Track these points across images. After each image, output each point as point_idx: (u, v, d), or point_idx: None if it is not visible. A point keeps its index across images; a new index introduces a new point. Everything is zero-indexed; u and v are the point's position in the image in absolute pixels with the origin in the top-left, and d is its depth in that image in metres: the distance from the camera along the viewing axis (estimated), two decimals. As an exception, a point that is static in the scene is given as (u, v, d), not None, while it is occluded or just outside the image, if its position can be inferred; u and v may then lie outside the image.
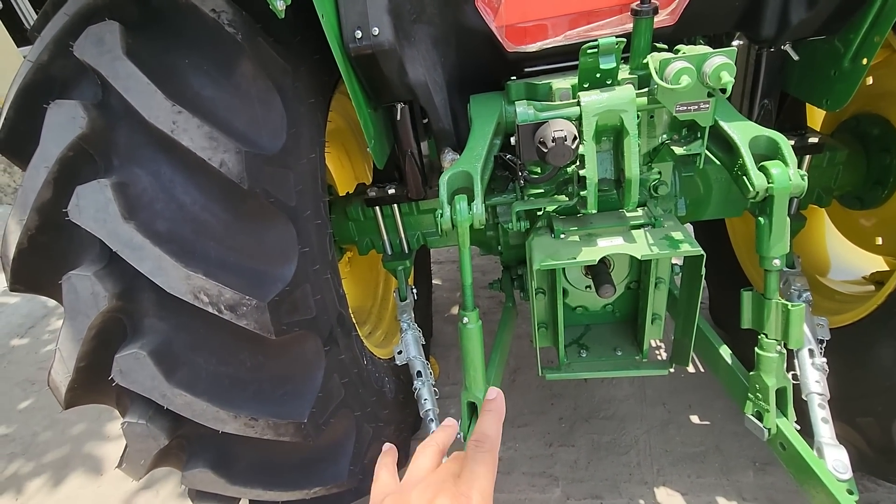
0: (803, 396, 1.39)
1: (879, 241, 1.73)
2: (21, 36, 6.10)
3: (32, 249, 1.00)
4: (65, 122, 0.95)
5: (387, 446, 0.69)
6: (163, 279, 0.93)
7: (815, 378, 1.38)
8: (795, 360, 1.45)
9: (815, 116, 1.90)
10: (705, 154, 1.21)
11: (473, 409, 1.38)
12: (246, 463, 1.18)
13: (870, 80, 1.69)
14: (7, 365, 3.31)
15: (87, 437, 2.63)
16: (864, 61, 1.16)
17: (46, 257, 1.00)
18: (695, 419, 2.17)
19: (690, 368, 2.42)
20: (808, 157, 1.58)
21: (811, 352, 1.43)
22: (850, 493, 1.19)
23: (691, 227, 2.61)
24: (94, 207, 0.92)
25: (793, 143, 1.51)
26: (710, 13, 1.24)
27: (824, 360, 1.40)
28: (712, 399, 2.27)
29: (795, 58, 1.32)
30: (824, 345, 1.47)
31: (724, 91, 0.98)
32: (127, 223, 0.92)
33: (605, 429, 2.20)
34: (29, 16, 6.51)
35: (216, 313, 0.96)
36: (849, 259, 1.97)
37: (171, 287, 0.93)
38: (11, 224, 1.01)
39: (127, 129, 0.96)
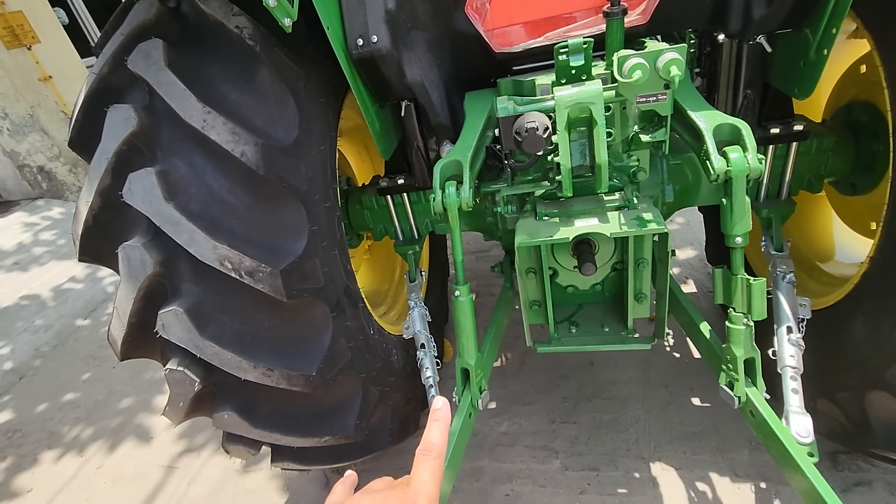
0: (778, 370, 1.47)
1: (873, 226, 1.76)
2: (84, 47, 6.68)
3: (96, 226, 1.23)
4: (120, 122, 1.17)
5: (348, 474, 0.75)
6: (195, 249, 1.13)
7: (790, 353, 1.46)
8: (775, 337, 1.53)
9: (816, 107, 1.94)
10: (686, 142, 1.32)
11: (466, 375, 1.54)
12: (267, 411, 1.38)
13: (863, 69, 1.73)
14: (73, 342, 3.71)
15: (139, 407, 2.95)
16: (825, 52, 1.24)
17: (106, 233, 1.23)
18: (695, 401, 2.24)
19: (696, 353, 2.48)
20: (794, 144, 1.64)
21: (789, 328, 1.51)
22: (811, 455, 1.28)
23: (702, 215, 2.66)
24: (143, 191, 1.14)
25: (778, 130, 1.59)
26: (680, 12, 1.34)
27: (800, 336, 1.47)
28: (714, 383, 2.28)
29: (769, 50, 1.40)
30: (804, 323, 1.54)
31: (669, 85, 1.09)
32: (168, 203, 1.13)
33: (608, 408, 2.30)
34: (91, 29, 7.11)
35: (238, 278, 1.16)
36: (853, 244, 1.99)
37: (202, 256, 1.14)
38: (80, 206, 1.25)
39: (168, 126, 1.18)
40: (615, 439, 2.15)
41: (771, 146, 1.65)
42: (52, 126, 6.05)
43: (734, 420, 2.09)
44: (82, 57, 6.61)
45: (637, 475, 1.99)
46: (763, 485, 1.84)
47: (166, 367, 1.28)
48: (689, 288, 2.94)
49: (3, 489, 2.59)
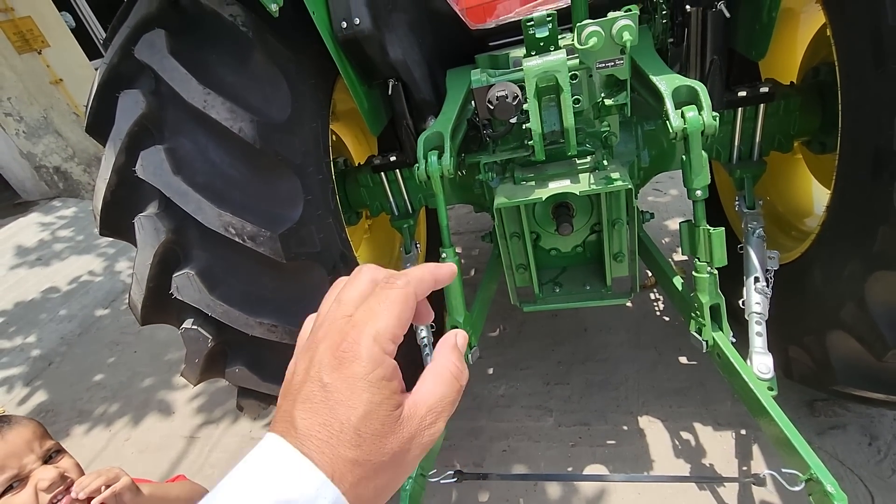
0: (745, 316, 1.57)
1: (838, 179, 1.84)
2: (92, 50, 6.86)
3: (114, 202, 1.37)
4: (131, 106, 1.31)
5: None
6: (202, 217, 1.27)
7: (756, 300, 1.56)
8: (744, 287, 1.63)
9: (791, 71, 2.00)
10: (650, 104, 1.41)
11: (456, 332, 1.66)
12: (274, 365, 1.52)
13: (828, 31, 1.79)
14: (96, 330, 3.92)
15: (160, 385, 3.14)
16: (774, 14, 1.33)
17: (123, 206, 1.37)
18: (683, 360, 2.35)
19: (684, 317, 2.58)
20: (763, 106, 1.72)
21: (756, 279, 1.61)
22: (771, 389, 1.38)
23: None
24: (153, 166, 1.27)
25: (745, 93, 1.67)
26: None
27: (764, 284, 1.57)
28: (702, 342, 2.43)
29: (727, 15, 1.48)
30: (771, 274, 1.64)
31: (624, 50, 1.19)
32: (176, 177, 1.26)
33: (599, 370, 2.42)
34: (97, 31, 7.28)
35: (241, 242, 1.29)
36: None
37: (209, 222, 1.27)
38: (99, 184, 1.39)
39: (173, 108, 1.31)
40: (605, 397, 2.27)
41: (740, 109, 1.74)
42: (65, 128, 6.26)
43: (718, 376, 2.18)
44: (90, 59, 6.80)
45: (625, 428, 2.11)
46: (743, 431, 1.95)
47: (181, 326, 1.42)
48: (680, 256, 3.03)
49: (40, 463, 2.79)
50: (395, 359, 0.44)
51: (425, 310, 0.51)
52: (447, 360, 0.47)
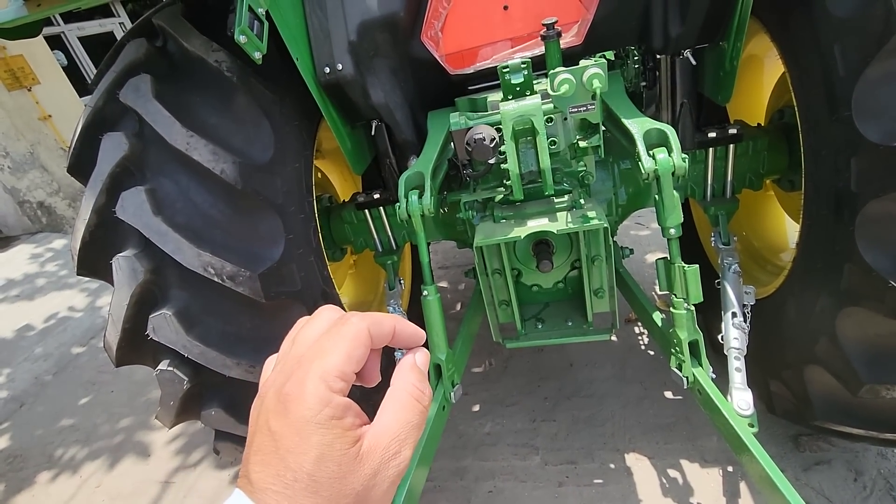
0: (724, 352, 1.59)
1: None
2: (83, 87, 6.94)
3: (92, 241, 1.36)
4: (114, 148, 1.32)
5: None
6: (181, 257, 1.27)
7: (734, 335, 1.58)
8: (722, 322, 1.66)
9: (759, 114, 2.10)
10: (623, 145, 1.46)
11: (438, 370, 1.65)
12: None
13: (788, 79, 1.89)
14: (72, 369, 3.80)
15: (137, 427, 3.03)
16: (735, 62, 1.40)
17: (102, 247, 1.36)
18: (668, 395, 2.34)
19: (668, 350, 2.59)
20: (732, 146, 1.80)
21: (734, 314, 1.63)
22: (752, 426, 1.38)
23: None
24: (134, 207, 1.28)
25: (714, 134, 1.74)
26: (610, 34, 1.51)
27: (741, 320, 1.59)
28: (686, 377, 2.44)
29: (693, 62, 1.56)
30: (748, 309, 1.67)
31: (595, 96, 1.25)
32: (156, 217, 1.27)
33: (586, 405, 2.40)
34: (89, 69, 7.38)
35: (220, 282, 1.29)
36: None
37: (188, 263, 1.27)
38: (78, 224, 1.38)
39: (155, 150, 1.33)
40: (592, 434, 2.25)
41: (711, 149, 1.81)
42: (51, 163, 6.25)
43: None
44: (80, 96, 6.87)
45: (612, 466, 2.08)
46: (730, 468, 1.94)
47: (157, 368, 1.39)
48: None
49: (4, 512, 2.65)
50: (378, 397, 0.43)
51: (373, 367, 0.46)
52: (405, 383, 0.45)
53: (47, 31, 6.45)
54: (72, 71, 7.04)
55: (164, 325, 1.31)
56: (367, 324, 0.43)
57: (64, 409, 3.35)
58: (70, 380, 3.69)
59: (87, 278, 4.94)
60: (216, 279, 1.28)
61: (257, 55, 1.23)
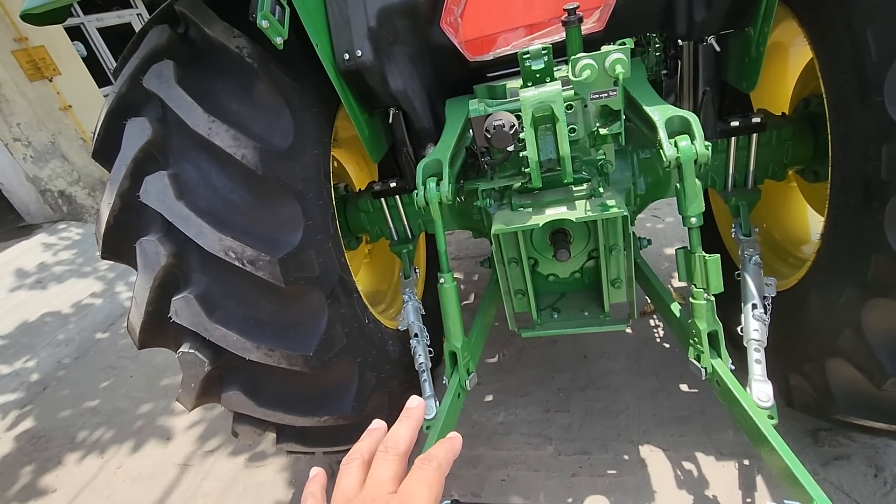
0: (744, 343, 1.57)
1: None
2: (102, 77, 7.03)
3: (116, 226, 1.39)
4: (137, 133, 1.34)
5: (314, 471, 0.63)
6: (203, 241, 1.28)
7: (754, 327, 1.56)
8: (742, 314, 1.63)
9: (783, 102, 2.05)
10: (644, 133, 1.45)
11: (454, 358, 1.65)
12: (270, 391, 1.51)
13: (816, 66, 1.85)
14: (93, 354, 3.89)
15: (156, 411, 3.10)
16: (762, 49, 1.37)
17: (125, 231, 1.39)
18: (684, 388, 2.32)
19: (684, 343, 2.57)
20: (755, 135, 1.76)
21: (754, 305, 1.61)
22: (771, 418, 1.37)
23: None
24: (157, 191, 1.30)
25: (737, 123, 1.71)
26: (633, 19, 1.49)
27: (762, 311, 1.57)
28: (702, 370, 2.41)
29: (717, 49, 1.53)
30: (769, 300, 1.64)
31: (617, 82, 1.23)
32: (179, 201, 1.29)
33: (600, 397, 2.39)
34: (108, 60, 7.48)
35: (241, 266, 1.30)
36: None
37: (209, 247, 1.29)
38: (102, 209, 1.41)
39: (178, 135, 1.34)
40: (606, 425, 2.24)
41: (733, 138, 1.77)
42: (72, 152, 6.37)
43: (720, 404, 2.15)
44: (100, 87, 6.97)
45: (626, 457, 2.07)
46: (746, 461, 1.92)
47: (178, 350, 1.42)
48: (679, 282, 3.03)
49: (29, 491, 2.74)
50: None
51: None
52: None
53: (67, 21, 6.54)
54: (91, 62, 7.14)
55: (185, 308, 1.33)
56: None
57: (86, 392, 3.44)
58: (91, 364, 3.77)
59: (107, 265, 5.01)
60: (237, 263, 1.30)
61: (279, 40, 1.23)
